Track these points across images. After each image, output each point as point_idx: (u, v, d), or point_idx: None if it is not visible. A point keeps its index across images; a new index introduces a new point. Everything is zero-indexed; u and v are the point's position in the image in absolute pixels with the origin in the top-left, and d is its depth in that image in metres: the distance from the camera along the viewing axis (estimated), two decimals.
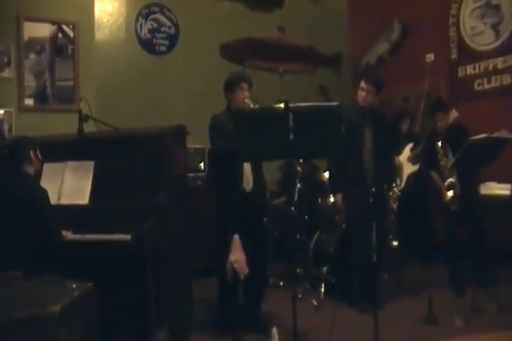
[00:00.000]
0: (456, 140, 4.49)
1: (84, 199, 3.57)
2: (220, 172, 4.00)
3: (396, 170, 5.26)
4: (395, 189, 4.93)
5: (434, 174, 4.72)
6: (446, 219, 4.71)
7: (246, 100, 3.82)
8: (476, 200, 4.72)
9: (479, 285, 4.32)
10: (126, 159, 3.65)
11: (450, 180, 4.54)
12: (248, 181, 3.89)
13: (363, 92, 4.42)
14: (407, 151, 5.50)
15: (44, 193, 3.32)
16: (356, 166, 4.35)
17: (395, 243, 4.93)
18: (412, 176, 5.44)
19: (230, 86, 3.91)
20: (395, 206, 4.91)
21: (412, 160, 5.41)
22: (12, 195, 3.28)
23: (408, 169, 5.45)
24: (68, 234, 3.36)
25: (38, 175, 3.59)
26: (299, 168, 5.15)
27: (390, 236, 4.89)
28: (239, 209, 3.80)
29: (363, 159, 4.36)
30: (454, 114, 4.91)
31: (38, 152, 3.47)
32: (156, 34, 6.46)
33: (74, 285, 2.80)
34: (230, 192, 3.86)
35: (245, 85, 3.87)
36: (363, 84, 4.43)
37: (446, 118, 4.72)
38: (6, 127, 4.94)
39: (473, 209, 4.63)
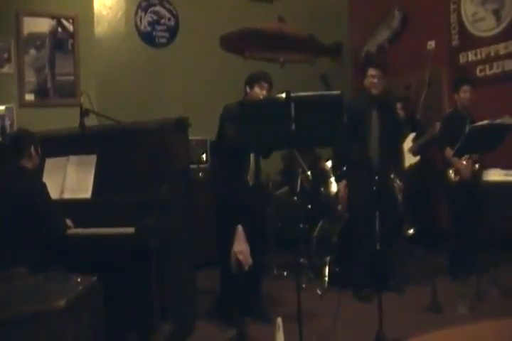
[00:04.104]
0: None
1: (86, 194, 3.58)
2: (224, 163, 4.01)
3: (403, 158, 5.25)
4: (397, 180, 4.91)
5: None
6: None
7: (261, 97, 3.84)
8: (479, 187, 4.73)
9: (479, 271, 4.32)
10: (128, 152, 3.66)
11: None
12: (251, 173, 3.94)
13: (374, 79, 4.40)
14: (408, 142, 5.44)
15: (43, 187, 3.32)
16: (361, 154, 4.35)
17: (411, 231, 4.91)
18: (413, 168, 5.41)
19: (251, 80, 3.94)
20: (400, 197, 4.90)
21: (414, 151, 5.37)
22: (11, 190, 3.29)
23: (409, 160, 5.41)
24: (72, 226, 3.38)
25: (39, 170, 3.60)
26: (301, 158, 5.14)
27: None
28: (243, 200, 3.82)
29: (368, 147, 4.35)
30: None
31: (39, 149, 3.47)
32: (155, 26, 6.43)
33: (78, 280, 2.81)
34: (234, 182, 3.88)
35: (266, 85, 3.90)
36: (372, 71, 4.42)
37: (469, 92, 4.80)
38: (7, 123, 4.95)
39: (478, 196, 4.64)
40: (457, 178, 4.72)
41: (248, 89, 3.96)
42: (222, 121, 3.95)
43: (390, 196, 4.40)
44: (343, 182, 4.50)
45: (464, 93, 4.82)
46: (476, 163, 4.72)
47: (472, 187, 4.70)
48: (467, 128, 4.68)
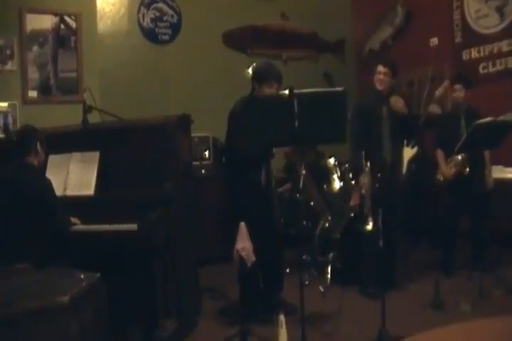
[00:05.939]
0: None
1: (89, 190, 3.59)
2: (237, 163, 3.88)
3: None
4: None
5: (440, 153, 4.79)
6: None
7: None
8: (483, 184, 4.71)
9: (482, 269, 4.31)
10: (131, 149, 3.67)
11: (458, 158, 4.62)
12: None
13: (381, 75, 4.40)
14: None
15: (48, 184, 3.32)
16: (376, 153, 4.28)
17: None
18: (413, 160, 5.40)
19: (260, 79, 3.81)
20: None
21: (412, 143, 5.37)
22: (16, 186, 3.29)
23: (408, 153, 5.40)
24: (78, 222, 3.39)
25: (43, 167, 3.60)
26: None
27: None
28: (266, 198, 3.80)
29: (383, 145, 4.34)
30: (445, 84, 4.96)
31: (44, 145, 3.47)
32: (158, 23, 6.42)
33: (82, 276, 2.82)
34: (249, 183, 3.80)
35: (275, 84, 3.78)
36: (380, 68, 4.42)
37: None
38: (10, 120, 4.95)
39: (482, 193, 4.63)
40: (442, 179, 4.74)
41: (257, 87, 3.83)
42: (230, 126, 3.85)
43: (395, 193, 4.39)
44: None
45: (460, 92, 4.81)
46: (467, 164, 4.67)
47: (460, 189, 4.66)
48: (462, 127, 4.68)
